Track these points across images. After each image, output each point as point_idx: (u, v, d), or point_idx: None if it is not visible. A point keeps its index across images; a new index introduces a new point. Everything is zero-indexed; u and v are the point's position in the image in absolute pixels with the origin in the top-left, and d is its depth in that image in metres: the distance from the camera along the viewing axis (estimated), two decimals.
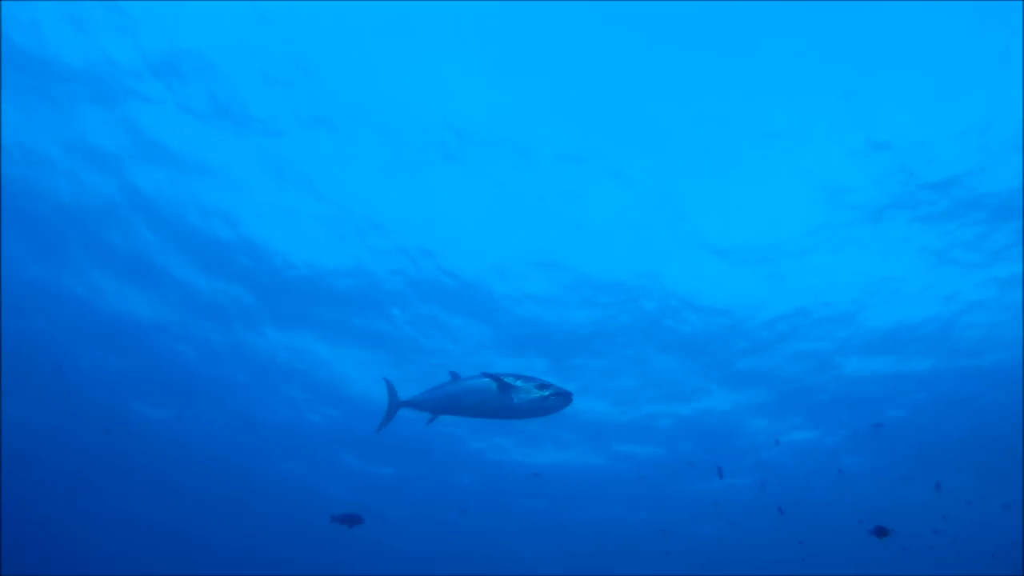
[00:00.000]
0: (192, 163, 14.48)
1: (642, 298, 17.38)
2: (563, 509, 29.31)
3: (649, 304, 17.50)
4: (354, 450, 25.09)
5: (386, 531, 32.54)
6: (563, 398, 6.99)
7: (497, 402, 7.13)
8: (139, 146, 14.05)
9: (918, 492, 25.00)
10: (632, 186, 14.90)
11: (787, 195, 14.81)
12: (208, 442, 24.87)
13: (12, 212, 15.33)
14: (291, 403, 22.25)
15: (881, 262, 15.72)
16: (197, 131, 13.78)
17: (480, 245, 16.31)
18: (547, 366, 19.29)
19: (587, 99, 13.52)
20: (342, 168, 14.63)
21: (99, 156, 14.23)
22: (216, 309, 18.27)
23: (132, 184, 14.86)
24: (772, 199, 14.95)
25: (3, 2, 11.43)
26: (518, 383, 7.08)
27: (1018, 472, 23.38)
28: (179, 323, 18.80)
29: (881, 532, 10.50)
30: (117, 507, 31.44)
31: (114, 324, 18.75)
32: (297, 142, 14.09)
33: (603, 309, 17.76)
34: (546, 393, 6.98)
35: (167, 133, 13.84)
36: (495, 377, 7.13)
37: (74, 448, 25.60)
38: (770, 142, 13.90)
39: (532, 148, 14.24)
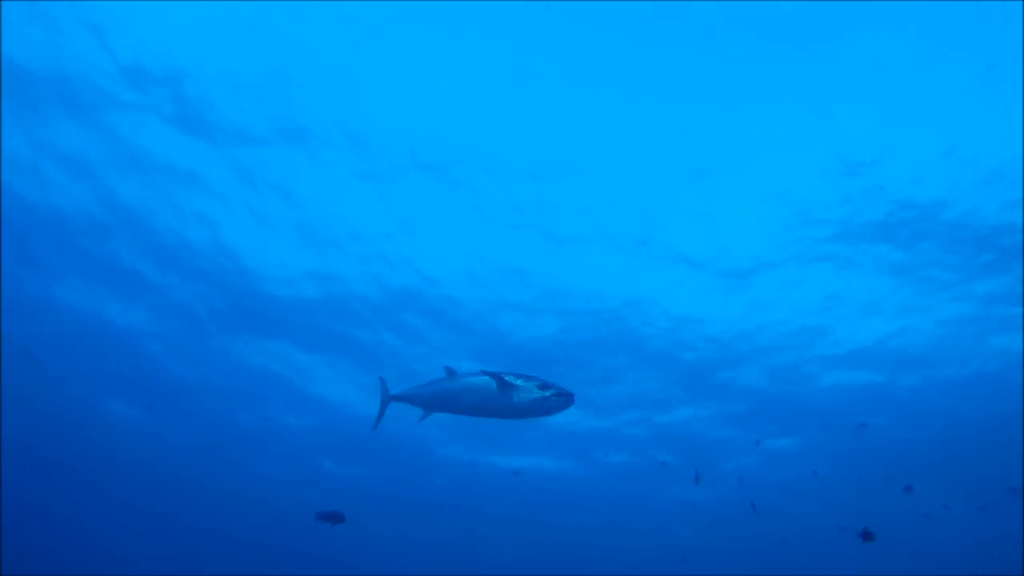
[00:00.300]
0: (166, 169, 14.73)
1: (616, 308, 17.85)
2: (537, 512, 29.96)
3: (624, 313, 17.98)
4: (329, 452, 25.53)
5: (360, 532, 33.14)
6: (565, 399, 6.88)
7: (497, 401, 7.00)
8: (113, 152, 14.28)
9: (894, 497, 25.73)
10: (608, 197, 15.30)
11: (761, 209, 15.22)
12: (182, 442, 25.26)
13: None
14: (265, 405, 22.61)
15: (852, 277, 16.27)
16: (171, 138, 14.02)
17: (454, 254, 16.67)
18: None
19: (562, 110, 13.83)
20: (316, 177, 14.93)
21: (73, 160, 14.43)
22: (190, 313, 18.57)
23: (107, 189, 15.10)
24: (747, 213, 15.35)
25: None
26: (519, 382, 6.96)
27: (989, 477, 24.15)
28: (154, 326, 19.12)
29: (867, 536, 10.81)
30: (92, 504, 31.80)
31: (89, 326, 19.04)
32: (272, 151, 14.37)
33: (577, 318, 18.21)
34: (547, 393, 6.86)
35: (141, 139, 14.06)
36: (495, 375, 6.97)
37: (48, 447, 25.91)
38: (746, 157, 14.25)
39: (507, 158, 14.56)
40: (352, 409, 22.17)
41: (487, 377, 7.08)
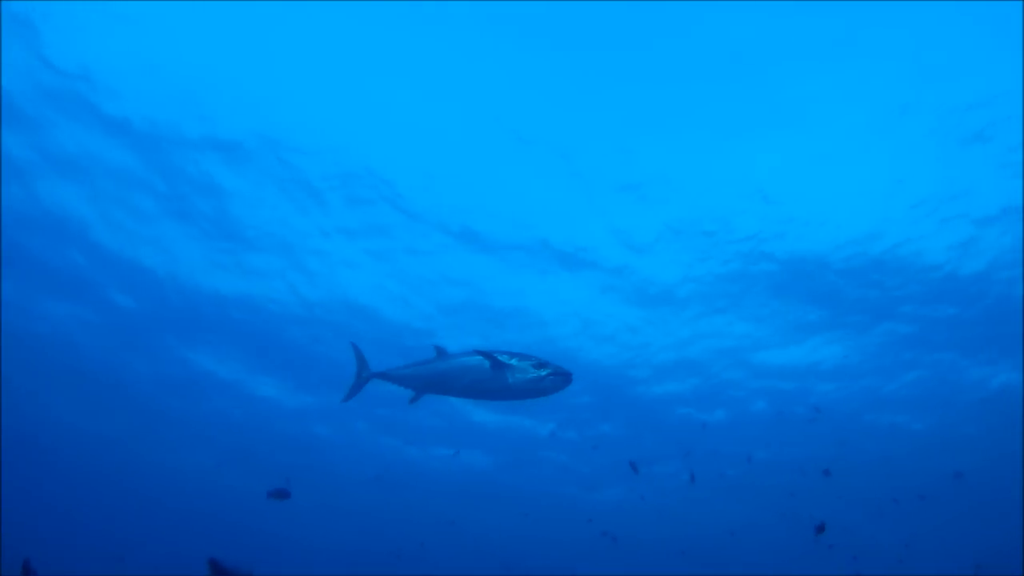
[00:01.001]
0: (96, 176, 15.51)
1: (539, 317, 19.16)
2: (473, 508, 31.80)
3: (547, 320, 19.29)
4: (262, 443, 26.84)
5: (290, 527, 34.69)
6: (562, 378, 6.89)
7: (490, 382, 7.02)
8: (44, 158, 15.05)
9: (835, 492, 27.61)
10: (534, 216, 16.47)
11: (685, 228, 16.37)
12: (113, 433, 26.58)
13: None
14: (197, 398, 23.94)
15: (765, 301, 17.92)
16: (103, 144, 14.82)
17: (383, 262, 17.73)
18: None
19: (491, 126, 14.77)
20: (245, 183, 15.79)
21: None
22: (121, 309, 19.63)
23: (36, 193, 15.91)
24: (670, 231, 16.48)
25: None
26: (513, 361, 6.95)
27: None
28: (87, 319, 20.21)
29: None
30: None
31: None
32: (201, 155, 15.13)
33: (502, 322, 19.33)
34: (543, 373, 6.85)
35: (67, 139, 14.75)
36: (487, 354, 6.98)
37: None
38: (671, 178, 15.36)
39: (437, 169, 15.52)
40: (282, 404, 23.75)
41: (480, 357, 7.09)
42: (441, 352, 7.74)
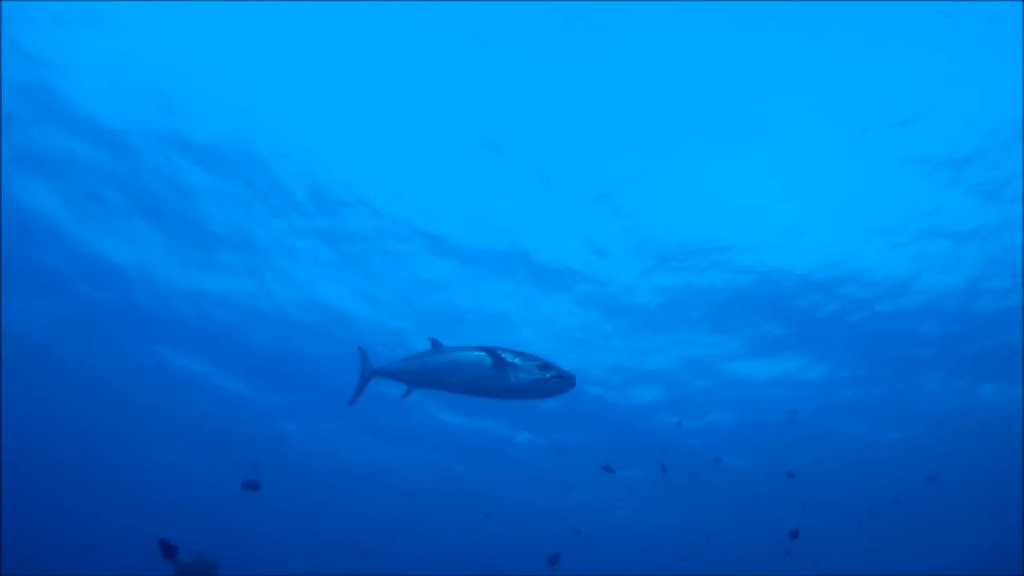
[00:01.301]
0: (67, 173, 15.74)
1: (512, 329, 19.74)
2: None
3: (518, 333, 19.90)
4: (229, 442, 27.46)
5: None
6: (566, 381, 6.86)
7: (491, 380, 6.98)
8: (15, 155, 15.27)
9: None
10: (506, 222, 16.87)
11: (647, 248, 16.97)
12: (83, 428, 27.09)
13: None
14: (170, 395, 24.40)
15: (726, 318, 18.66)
16: (74, 141, 15.03)
17: (349, 271, 18.23)
18: None
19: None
20: (218, 190, 16.15)
21: None
22: (95, 308, 20.06)
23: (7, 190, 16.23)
24: (637, 250, 17.06)
25: None
26: (516, 360, 6.91)
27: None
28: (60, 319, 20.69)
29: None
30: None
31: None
32: (177, 160, 15.40)
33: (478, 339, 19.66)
34: (548, 375, 6.83)
35: (42, 143, 15.03)
36: (490, 351, 6.93)
37: None
38: (640, 190, 15.75)
39: (409, 179, 15.95)
40: (252, 400, 24.20)
41: (482, 352, 7.05)
42: (437, 345, 7.72)
